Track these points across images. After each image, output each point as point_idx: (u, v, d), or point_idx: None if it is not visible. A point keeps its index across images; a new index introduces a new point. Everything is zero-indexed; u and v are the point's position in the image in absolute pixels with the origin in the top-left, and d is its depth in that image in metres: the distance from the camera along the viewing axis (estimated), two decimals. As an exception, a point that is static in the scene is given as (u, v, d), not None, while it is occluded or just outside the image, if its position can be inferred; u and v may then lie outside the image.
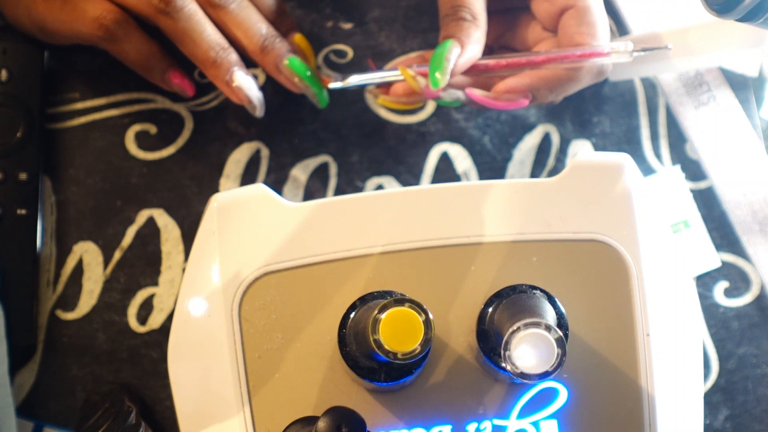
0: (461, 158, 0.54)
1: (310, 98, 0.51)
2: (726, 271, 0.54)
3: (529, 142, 0.55)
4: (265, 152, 0.54)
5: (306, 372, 0.43)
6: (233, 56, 0.48)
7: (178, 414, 0.43)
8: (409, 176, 0.54)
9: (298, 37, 0.51)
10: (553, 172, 0.54)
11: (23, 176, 0.51)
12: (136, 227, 0.52)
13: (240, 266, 0.44)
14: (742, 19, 0.38)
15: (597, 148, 0.55)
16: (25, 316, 0.50)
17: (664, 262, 0.45)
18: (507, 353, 0.37)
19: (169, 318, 0.52)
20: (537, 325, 0.37)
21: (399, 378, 0.40)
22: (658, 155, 0.55)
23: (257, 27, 0.49)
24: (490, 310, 0.42)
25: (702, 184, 0.55)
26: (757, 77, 0.55)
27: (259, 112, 0.50)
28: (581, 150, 0.55)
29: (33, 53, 0.52)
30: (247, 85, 0.49)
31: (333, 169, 0.54)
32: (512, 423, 0.43)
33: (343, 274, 0.44)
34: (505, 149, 0.54)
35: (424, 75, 0.47)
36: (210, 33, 0.48)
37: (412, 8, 0.56)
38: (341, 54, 0.55)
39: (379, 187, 0.54)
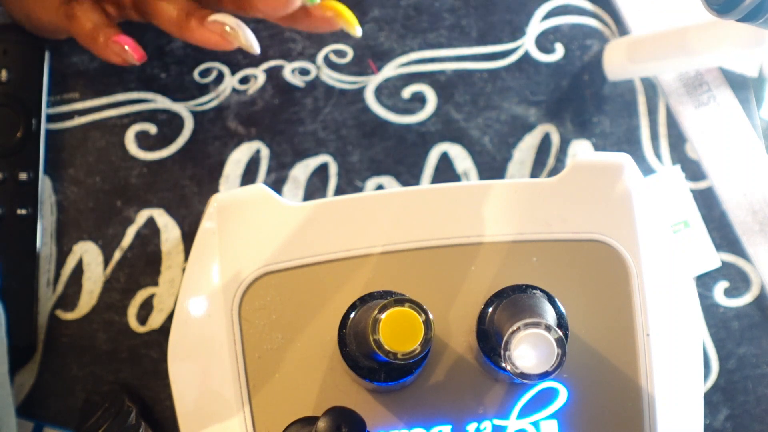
0: (461, 158, 0.54)
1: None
2: (726, 271, 0.54)
3: (529, 142, 0.55)
4: (265, 152, 0.54)
5: (306, 372, 0.43)
6: (205, 9, 0.48)
7: (178, 414, 0.43)
8: (409, 176, 0.54)
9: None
10: (553, 172, 0.54)
11: (23, 176, 0.51)
12: (136, 227, 0.52)
13: (240, 266, 0.44)
14: (742, 19, 0.38)
15: (597, 148, 0.55)
16: (25, 316, 0.50)
17: (664, 262, 0.45)
18: (507, 353, 0.37)
19: (169, 318, 0.52)
20: (537, 325, 0.37)
21: (399, 378, 0.40)
22: (658, 155, 0.55)
23: None
24: (490, 310, 0.42)
25: (702, 184, 0.55)
26: (757, 77, 0.55)
27: (245, 40, 0.47)
28: (581, 150, 0.55)
29: (33, 53, 0.52)
30: (222, 17, 0.47)
31: (333, 169, 0.54)
32: (512, 423, 0.43)
33: (343, 274, 0.44)
34: (505, 149, 0.55)
35: None
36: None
37: (412, 8, 0.56)
38: (341, 54, 0.55)
39: (379, 187, 0.54)
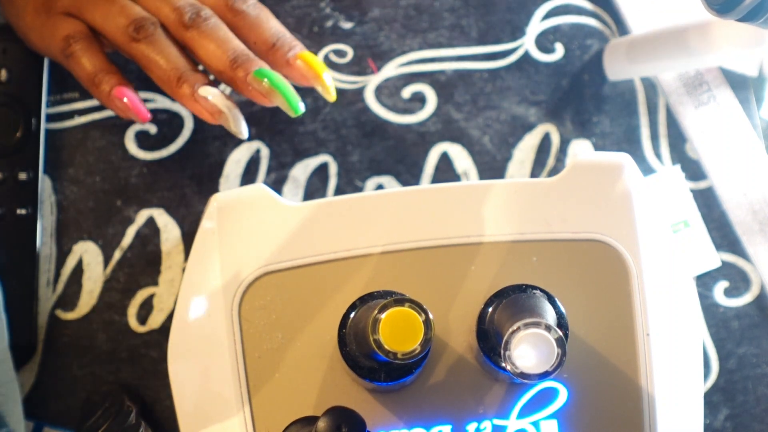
0: (461, 158, 0.54)
1: (282, 107, 0.46)
2: (726, 271, 0.54)
3: (529, 142, 0.55)
4: (265, 152, 0.54)
5: (306, 372, 0.43)
6: (200, 75, 0.46)
7: (178, 414, 0.43)
8: (409, 176, 0.54)
9: (302, 54, 0.47)
10: (553, 172, 0.54)
11: (23, 176, 0.51)
12: (136, 227, 0.52)
13: (240, 266, 0.44)
14: (742, 19, 0.38)
15: (597, 148, 0.55)
16: (25, 316, 0.50)
17: (664, 262, 0.45)
18: (507, 353, 0.37)
19: (169, 318, 0.52)
20: (537, 325, 0.37)
21: (399, 378, 0.40)
22: (658, 155, 0.55)
23: (230, 43, 0.46)
24: (490, 310, 0.42)
25: (702, 184, 0.55)
26: (757, 77, 0.55)
27: (234, 125, 0.46)
28: (581, 150, 0.55)
29: (33, 53, 0.52)
30: (212, 93, 0.45)
31: (333, 169, 0.54)
32: (512, 423, 0.43)
33: (343, 274, 0.44)
34: (505, 149, 0.55)
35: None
36: (177, 55, 0.46)
37: (412, 8, 0.56)
38: (341, 54, 0.55)
39: (379, 187, 0.54)
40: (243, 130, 0.46)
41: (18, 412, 0.46)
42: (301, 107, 0.45)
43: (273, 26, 0.48)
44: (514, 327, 0.37)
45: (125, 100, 0.46)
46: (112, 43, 0.47)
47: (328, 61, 0.55)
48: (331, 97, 0.47)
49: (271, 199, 0.45)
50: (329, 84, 0.46)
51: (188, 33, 0.46)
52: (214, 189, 0.53)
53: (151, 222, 0.53)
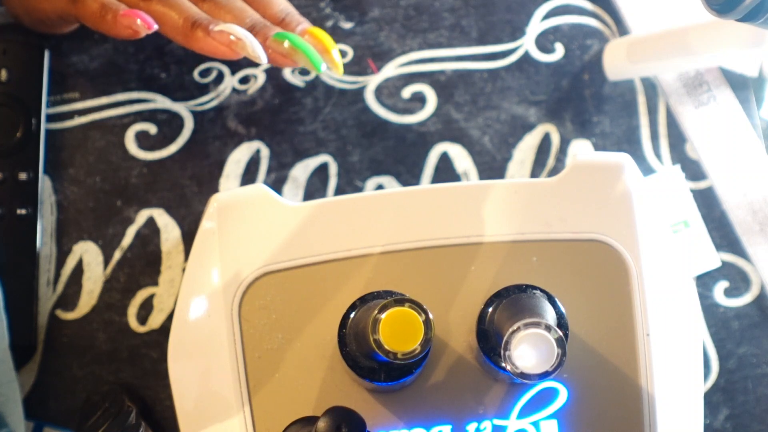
0: (461, 158, 0.54)
1: (305, 66, 0.47)
2: (726, 271, 0.54)
3: (529, 142, 0.55)
4: (265, 152, 0.54)
5: (306, 372, 0.43)
6: (212, 18, 0.47)
7: (178, 414, 0.43)
8: (409, 176, 0.54)
9: (311, 30, 0.49)
10: (553, 172, 0.54)
11: (23, 176, 0.51)
12: (136, 227, 0.52)
13: (240, 266, 0.44)
14: (742, 19, 0.38)
15: (597, 148, 0.55)
16: (25, 316, 0.50)
17: (664, 262, 0.45)
18: (507, 353, 0.37)
19: (169, 318, 0.52)
20: (537, 325, 0.37)
21: (399, 378, 0.40)
22: (658, 155, 0.55)
23: (247, 12, 0.48)
24: (490, 310, 0.42)
25: (702, 184, 0.55)
26: (757, 77, 0.55)
27: (252, 50, 0.46)
28: (581, 150, 0.55)
29: (33, 53, 0.52)
30: (227, 25, 0.46)
31: (333, 169, 0.54)
32: (512, 423, 0.43)
33: (343, 274, 0.44)
34: (505, 149, 0.55)
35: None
36: (189, 6, 0.47)
37: (412, 8, 0.56)
38: (341, 53, 0.55)
39: (379, 187, 0.54)
40: (261, 54, 0.46)
41: (18, 412, 0.46)
42: (323, 66, 0.47)
43: (282, 2, 0.50)
44: (514, 327, 0.37)
45: (138, 21, 0.46)
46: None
47: (328, 61, 0.55)
48: (339, 71, 0.48)
49: (271, 199, 0.45)
50: (337, 59, 0.48)
51: (205, 5, 0.48)
52: (214, 189, 0.53)
53: (151, 222, 0.53)
